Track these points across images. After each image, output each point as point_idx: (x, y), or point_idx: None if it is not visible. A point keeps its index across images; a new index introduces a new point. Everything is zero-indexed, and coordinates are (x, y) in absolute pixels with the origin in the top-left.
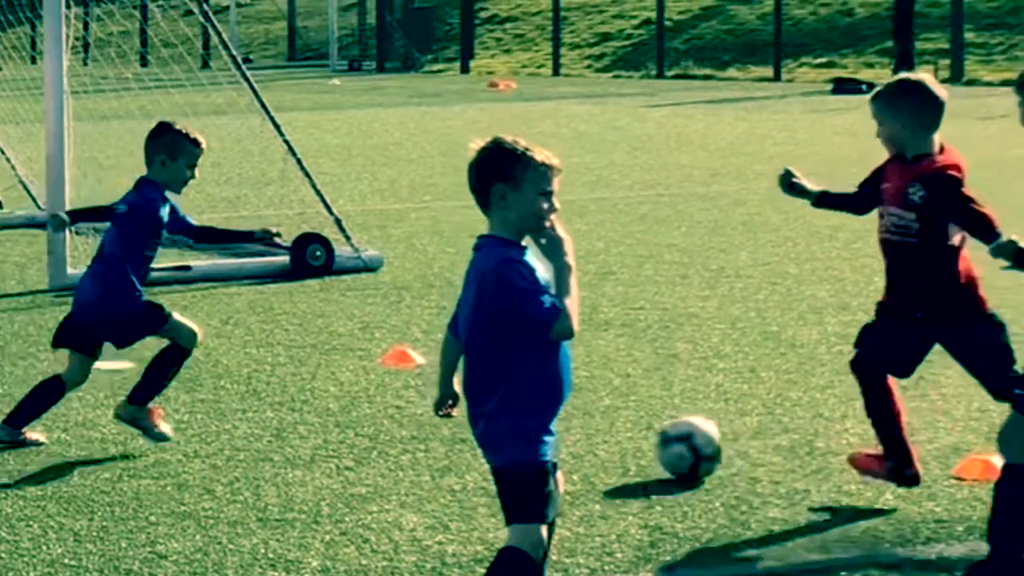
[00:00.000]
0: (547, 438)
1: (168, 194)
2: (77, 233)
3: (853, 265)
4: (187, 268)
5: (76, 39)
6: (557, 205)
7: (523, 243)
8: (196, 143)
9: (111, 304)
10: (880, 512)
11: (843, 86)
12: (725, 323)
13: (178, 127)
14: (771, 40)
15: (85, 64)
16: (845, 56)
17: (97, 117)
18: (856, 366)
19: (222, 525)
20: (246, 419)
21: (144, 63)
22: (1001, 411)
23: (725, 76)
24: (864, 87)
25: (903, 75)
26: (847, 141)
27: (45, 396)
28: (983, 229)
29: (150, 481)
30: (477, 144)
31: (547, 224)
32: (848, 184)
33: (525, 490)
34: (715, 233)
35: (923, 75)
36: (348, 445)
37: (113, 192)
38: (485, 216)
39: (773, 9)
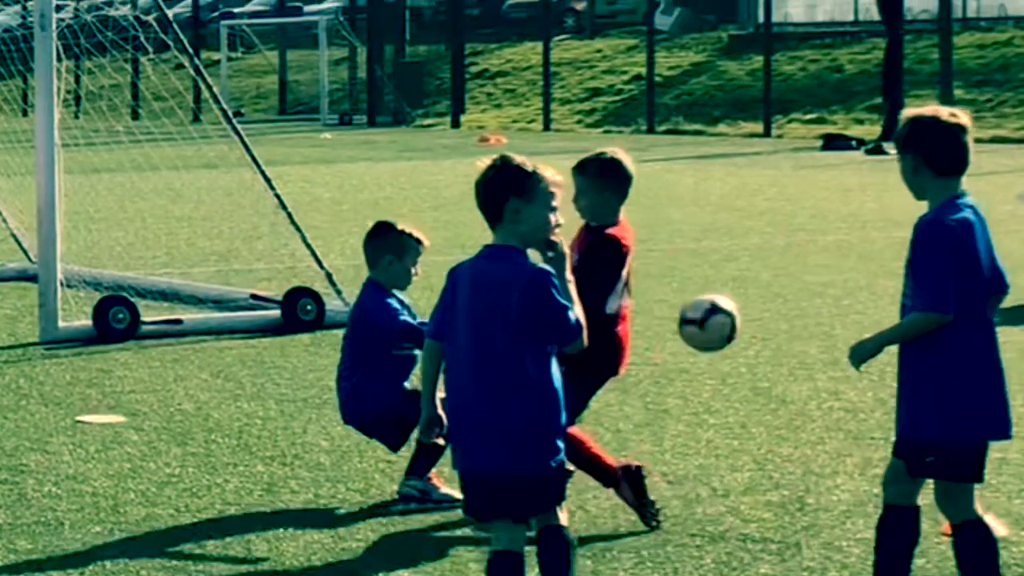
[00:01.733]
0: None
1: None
2: (68, 286)
3: (843, 322)
4: (179, 322)
5: (67, 92)
6: (561, 220)
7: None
8: (420, 242)
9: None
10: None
11: (833, 142)
12: (716, 379)
13: (401, 227)
14: (761, 96)
15: (76, 117)
16: (835, 112)
17: (88, 170)
18: None
19: None
20: (237, 473)
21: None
22: (991, 466)
23: (715, 132)
24: (854, 143)
25: (605, 151)
26: (837, 197)
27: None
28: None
29: (141, 535)
30: (485, 162)
31: (554, 238)
32: (838, 239)
33: (561, 484)
34: (706, 289)
35: (618, 151)
36: (339, 500)
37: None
38: (492, 230)
39: (763, 65)
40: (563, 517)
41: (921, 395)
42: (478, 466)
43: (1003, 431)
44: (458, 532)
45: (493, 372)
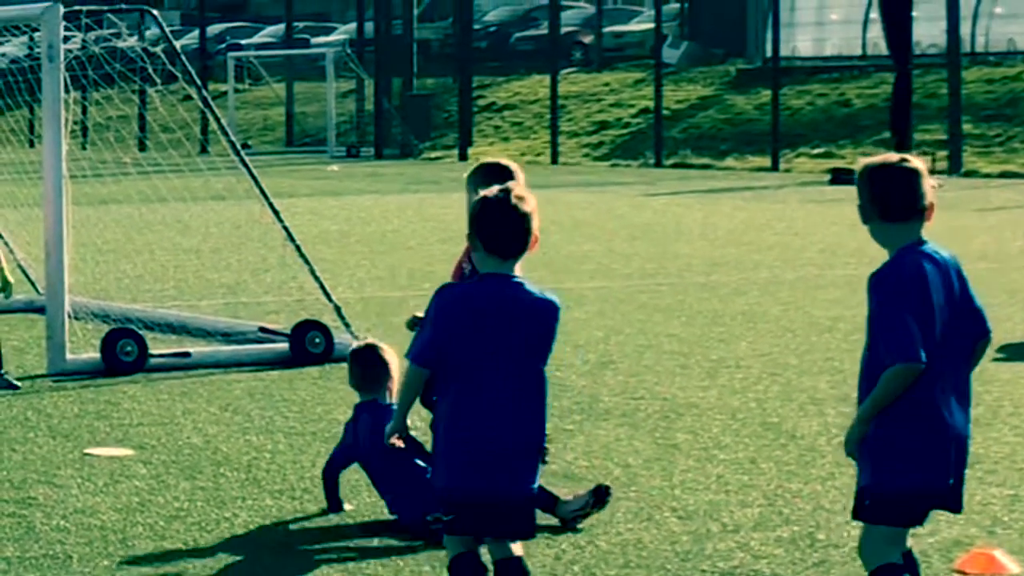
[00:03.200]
0: None
1: None
2: (76, 318)
3: (853, 357)
4: (186, 354)
5: (75, 123)
6: None
7: None
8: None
9: None
10: None
11: (841, 177)
12: (725, 414)
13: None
14: (769, 130)
15: (84, 148)
16: (843, 147)
17: (96, 201)
18: None
19: None
20: (246, 507)
21: (142, 148)
22: (1003, 503)
23: (723, 165)
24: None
25: (492, 159)
26: (845, 232)
27: None
28: None
29: (149, 569)
30: (525, 191)
31: None
32: (847, 274)
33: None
34: (715, 323)
35: (504, 160)
36: (349, 535)
37: (112, 277)
38: (517, 259)
39: (770, 99)
40: (519, 548)
41: (865, 440)
42: (499, 488)
43: (931, 483)
44: None
45: (530, 396)
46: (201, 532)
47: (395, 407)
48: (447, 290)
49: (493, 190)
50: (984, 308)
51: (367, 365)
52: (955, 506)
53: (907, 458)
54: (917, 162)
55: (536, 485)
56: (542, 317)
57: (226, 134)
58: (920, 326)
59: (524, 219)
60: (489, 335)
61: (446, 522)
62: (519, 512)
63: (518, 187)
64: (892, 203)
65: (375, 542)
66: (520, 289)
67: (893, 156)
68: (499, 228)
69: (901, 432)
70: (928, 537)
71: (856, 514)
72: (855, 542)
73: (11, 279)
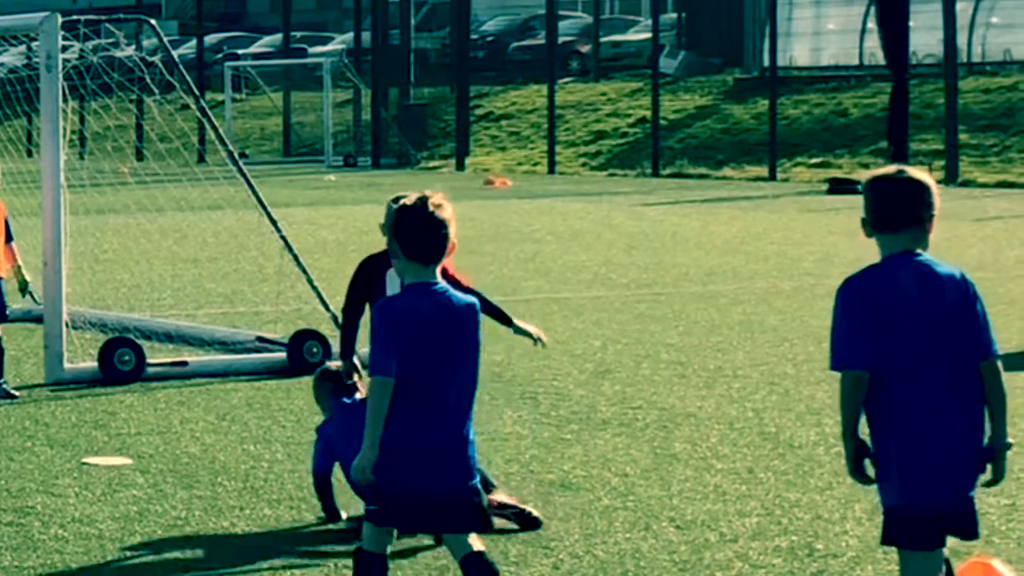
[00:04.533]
0: None
1: None
2: (74, 327)
3: None
4: (184, 363)
5: (73, 132)
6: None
7: None
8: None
9: None
10: None
11: (838, 186)
12: (723, 423)
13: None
14: (766, 140)
15: (81, 158)
16: (840, 156)
17: (94, 211)
18: None
19: None
20: (244, 516)
21: (140, 157)
22: (1000, 512)
23: (720, 175)
24: (859, 188)
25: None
26: (843, 241)
27: None
28: None
29: None
30: (443, 199)
31: None
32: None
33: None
34: (712, 333)
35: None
36: (346, 544)
37: (109, 286)
38: (427, 265)
39: (768, 109)
40: (478, 542)
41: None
42: (438, 487)
43: (932, 499)
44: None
45: (469, 401)
46: (199, 541)
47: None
48: (386, 305)
49: (412, 198)
50: (988, 330)
51: (335, 379)
52: (966, 528)
53: (896, 472)
54: (915, 173)
55: (475, 481)
56: (472, 322)
57: (224, 144)
58: (885, 334)
59: (442, 225)
60: (427, 342)
61: (374, 512)
62: (460, 507)
63: (435, 195)
64: (877, 215)
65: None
66: (452, 297)
67: (891, 168)
68: (419, 235)
69: (890, 445)
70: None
71: (882, 539)
72: (854, 552)
73: (28, 277)
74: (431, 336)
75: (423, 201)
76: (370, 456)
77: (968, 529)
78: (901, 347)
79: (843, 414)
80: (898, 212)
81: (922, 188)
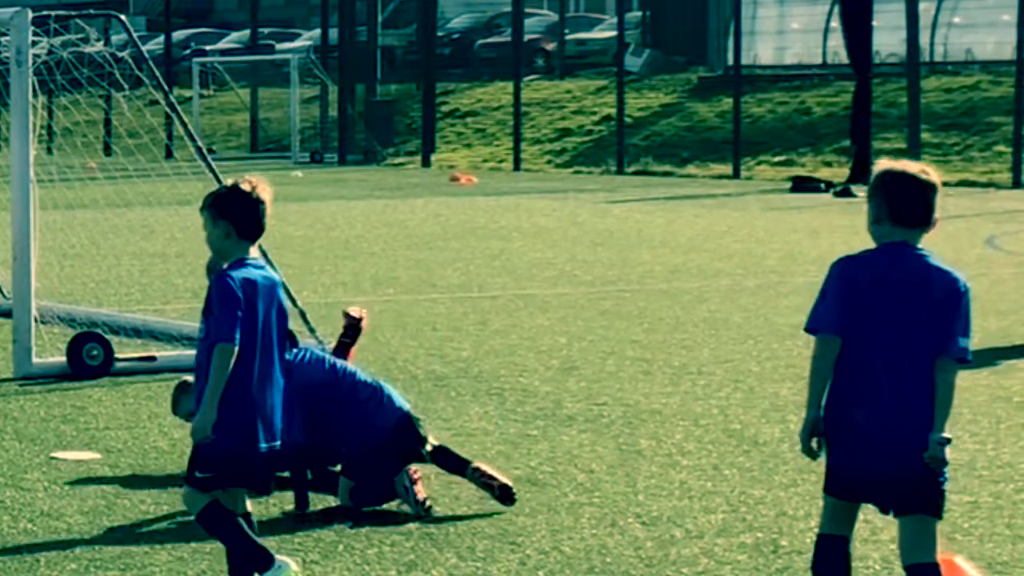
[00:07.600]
0: None
1: None
2: (42, 322)
3: None
4: (152, 359)
5: (41, 127)
6: None
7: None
8: None
9: None
10: None
11: (802, 185)
12: (688, 420)
13: None
14: (730, 138)
15: (50, 152)
16: (803, 155)
17: (62, 206)
18: None
19: None
20: None
21: (108, 152)
22: (962, 509)
23: (684, 173)
24: (823, 186)
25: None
26: (806, 239)
27: None
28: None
29: (116, 573)
30: (252, 185)
31: None
32: (808, 281)
33: None
34: (677, 330)
35: (254, 179)
36: (315, 539)
37: (78, 281)
38: (253, 241)
39: (732, 107)
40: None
41: None
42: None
43: (849, 461)
44: (433, 572)
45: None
46: (167, 535)
47: None
48: (224, 275)
49: (244, 179)
50: (966, 335)
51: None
52: (888, 503)
53: (833, 433)
54: (934, 175)
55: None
56: (278, 296)
57: (192, 139)
58: (848, 304)
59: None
60: (259, 320)
61: (203, 479)
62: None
63: (254, 177)
64: (895, 208)
65: (340, 548)
66: (265, 269)
67: (915, 166)
68: (249, 214)
69: (830, 406)
70: (891, 543)
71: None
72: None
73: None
74: (267, 311)
75: (250, 184)
76: (210, 416)
77: (889, 501)
78: (864, 330)
79: (810, 380)
80: (917, 211)
81: (936, 192)
